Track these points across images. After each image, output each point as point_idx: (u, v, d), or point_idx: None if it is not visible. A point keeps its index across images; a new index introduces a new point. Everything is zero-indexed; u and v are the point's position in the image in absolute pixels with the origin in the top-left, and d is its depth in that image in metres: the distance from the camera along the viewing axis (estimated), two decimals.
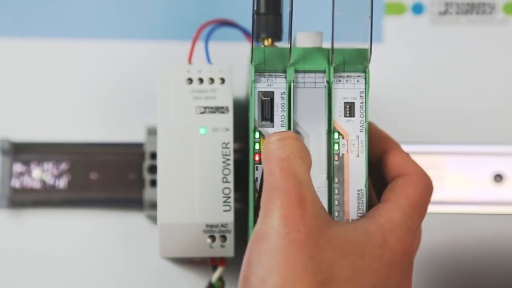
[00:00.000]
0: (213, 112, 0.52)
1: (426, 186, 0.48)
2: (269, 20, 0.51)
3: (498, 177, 0.62)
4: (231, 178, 0.51)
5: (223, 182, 0.51)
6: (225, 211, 0.51)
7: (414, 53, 0.64)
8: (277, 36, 0.51)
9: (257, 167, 0.49)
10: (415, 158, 0.59)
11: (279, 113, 0.49)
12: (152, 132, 0.60)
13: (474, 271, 0.62)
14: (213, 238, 0.51)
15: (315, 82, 0.49)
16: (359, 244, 0.44)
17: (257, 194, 0.48)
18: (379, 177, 0.50)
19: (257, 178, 0.49)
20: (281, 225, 0.43)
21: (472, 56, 0.64)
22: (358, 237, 0.44)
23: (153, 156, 0.59)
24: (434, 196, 0.61)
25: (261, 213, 0.44)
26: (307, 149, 0.46)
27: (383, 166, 0.49)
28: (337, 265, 0.43)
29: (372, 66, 0.49)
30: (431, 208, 0.61)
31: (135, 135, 0.62)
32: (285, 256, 0.43)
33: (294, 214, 0.43)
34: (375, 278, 0.44)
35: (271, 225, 0.43)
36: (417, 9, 0.65)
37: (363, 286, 0.44)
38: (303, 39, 0.50)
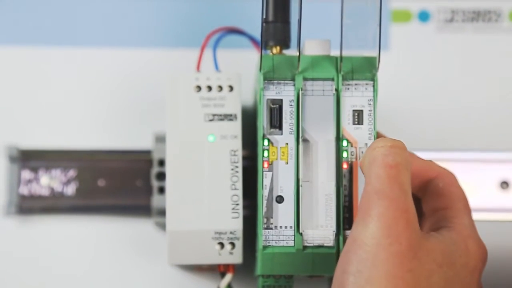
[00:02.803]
0: (221, 119, 0.52)
1: (457, 180, 0.49)
2: (277, 28, 0.51)
3: (505, 184, 0.62)
4: (239, 185, 0.52)
5: (232, 189, 0.52)
6: (233, 218, 0.51)
7: (420, 61, 0.64)
8: (285, 44, 0.51)
9: (266, 174, 0.49)
10: None
11: (288, 121, 0.49)
12: (160, 139, 0.60)
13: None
14: (221, 245, 0.51)
15: (323, 90, 0.49)
16: (449, 253, 0.45)
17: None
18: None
19: (266, 185, 0.49)
20: (384, 236, 0.43)
21: (478, 64, 0.64)
22: (448, 247, 0.45)
23: (161, 163, 0.59)
24: None
25: (360, 215, 0.44)
26: (411, 162, 0.46)
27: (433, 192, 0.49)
28: (434, 277, 0.43)
29: (378, 73, 0.49)
30: None
31: (143, 142, 0.62)
32: (385, 268, 0.42)
33: (397, 225, 0.43)
34: (462, 286, 0.45)
35: (372, 233, 0.43)
36: (423, 16, 0.65)
37: None
38: (312, 47, 0.50)
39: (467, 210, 0.48)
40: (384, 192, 0.44)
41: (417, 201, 0.50)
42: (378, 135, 0.50)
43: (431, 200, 0.49)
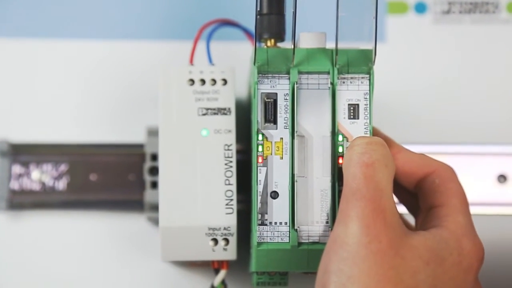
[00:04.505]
0: (215, 113, 0.52)
1: (455, 175, 0.48)
2: (272, 21, 0.50)
3: (502, 178, 0.62)
4: (233, 180, 0.51)
5: (226, 184, 0.51)
6: (227, 213, 0.51)
7: (417, 53, 0.64)
8: (280, 37, 0.51)
9: (260, 169, 0.48)
10: None
11: (283, 115, 0.49)
12: (152, 133, 0.59)
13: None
14: (215, 241, 0.51)
15: (319, 84, 0.49)
16: (438, 251, 0.44)
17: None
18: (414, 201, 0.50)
19: (260, 181, 0.48)
20: (363, 234, 0.43)
21: (475, 55, 0.64)
22: (436, 244, 0.45)
23: (154, 157, 0.59)
24: None
25: (339, 216, 0.44)
26: (392, 157, 0.46)
27: (400, 169, 0.49)
28: (421, 274, 0.43)
29: (374, 66, 0.49)
30: None
31: (136, 136, 0.62)
32: (367, 265, 0.43)
33: (375, 224, 0.43)
34: (454, 285, 0.44)
35: (352, 232, 0.43)
36: (420, 8, 0.64)
37: None
38: (307, 40, 0.50)
39: (464, 207, 0.47)
40: (360, 193, 0.44)
41: (415, 197, 0.50)
42: (375, 132, 0.49)
43: (426, 197, 0.48)
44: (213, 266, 0.53)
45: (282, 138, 0.49)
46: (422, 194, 0.49)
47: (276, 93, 0.49)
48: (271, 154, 0.49)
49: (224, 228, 0.51)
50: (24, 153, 0.61)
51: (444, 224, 0.46)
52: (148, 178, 0.59)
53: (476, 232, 0.47)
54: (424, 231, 0.45)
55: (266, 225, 0.48)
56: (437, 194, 0.48)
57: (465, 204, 0.47)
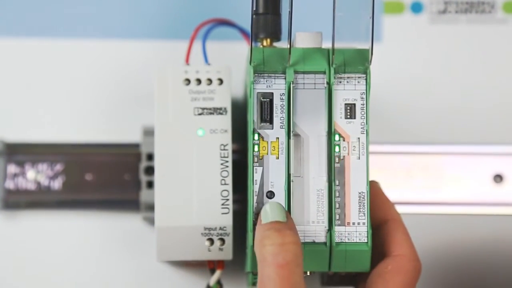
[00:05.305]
0: (211, 113, 0.51)
1: (414, 274, 0.48)
2: (268, 20, 0.50)
3: (498, 178, 0.62)
4: (229, 180, 0.51)
5: (222, 184, 0.51)
6: (223, 213, 0.51)
7: (413, 52, 0.64)
8: (276, 36, 0.51)
9: (256, 169, 0.48)
10: (414, 158, 0.58)
11: (279, 115, 0.49)
12: (148, 132, 0.59)
13: (473, 272, 0.62)
14: (211, 241, 0.51)
15: (315, 83, 0.49)
16: None
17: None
18: (374, 241, 0.50)
19: (256, 180, 0.48)
20: None
21: (471, 55, 0.64)
22: None
23: (150, 157, 0.59)
24: (433, 197, 0.61)
25: None
26: (302, 254, 0.46)
27: (381, 236, 0.49)
28: None
29: (370, 66, 0.49)
30: (430, 209, 0.61)
31: (131, 136, 0.62)
32: None
33: None
34: None
35: None
36: (416, 8, 0.64)
37: None
38: (303, 39, 0.49)
39: None
40: None
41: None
42: (375, 189, 0.50)
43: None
44: (209, 266, 0.52)
45: (278, 138, 0.49)
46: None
47: (272, 93, 0.49)
48: (267, 154, 0.49)
49: (220, 228, 0.51)
50: (20, 153, 0.61)
51: None
52: (144, 178, 0.59)
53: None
54: None
55: None
56: (379, 278, 0.48)
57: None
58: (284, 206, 0.48)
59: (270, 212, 0.47)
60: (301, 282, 0.44)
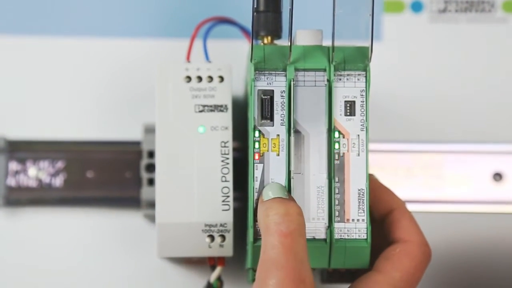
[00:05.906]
0: (212, 110, 0.52)
1: (423, 258, 0.48)
2: (268, 18, 0.50)
3: (498, 176, 0.62)
4: (230, 177, 0.51)
5: (222, 181, 0.51)
6: (224, 210, 0.51)
7: (413, 51, 0.64)
8: (276, 34, 0.51)
9: (257, 166, 0.48)
10: (414, 156, 0.58)
11: (279, 112, 0.49)
12: (149, 130, 0.59)
13: (473, 270, 0.62)
14: (212, 237, 0.51)
15: (315, 81, 0.49)
16: None
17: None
18: (380, 235, 0.50)
19: (257, 177, 0.48)
20: None
21: (471, 54, 0.64)
22: None
23: (151, 154, 0.59)
24: (433, 195, 0.61)
25: (257, 283, 0.44)
26: (304, 226, 0.46)
27: (387, 226, 0.49)
28: None
29: (370, 64, 0.49)
30: (430, 207, 0.61)
31: (132, 133, 0.62)
32: None
33: None
34: None
35: None
36: (416, 7, 0.64)
37: None
38: (303, 37, 0.50)
39: (401, 280, 0.47)
40: (279, 263, 0.44)
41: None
42: (374, 182, 0.50)
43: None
44: (210, 263, 0.53)
45: (278, 135, 0.49)
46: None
47: (273, 90, 0.49)
48: (268, 151, 0.49)
49: (221, 225, 0.51)
50: (21, 150, 0.61)
51: None
52: (144, 175, 0.59)
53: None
54: None
55: None
56: (386, 261, 0.48)
57: (405, 282, 0.48)
58: (285, 186, 0.48)
59: (271, 191, 0.47)
60: (303, 252, 0.44)
